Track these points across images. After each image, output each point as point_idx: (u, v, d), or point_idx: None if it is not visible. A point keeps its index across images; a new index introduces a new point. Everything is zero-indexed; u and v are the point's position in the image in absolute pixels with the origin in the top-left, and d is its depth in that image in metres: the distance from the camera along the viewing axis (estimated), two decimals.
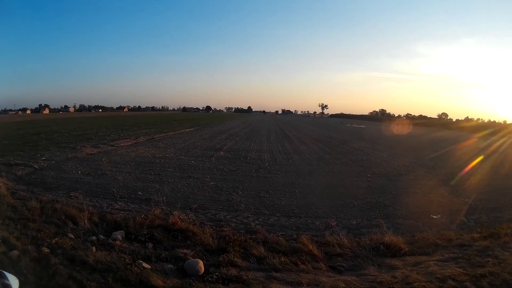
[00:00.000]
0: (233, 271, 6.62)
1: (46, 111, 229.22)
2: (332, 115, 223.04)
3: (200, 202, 12.58)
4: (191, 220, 10.02)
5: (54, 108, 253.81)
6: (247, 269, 6.91)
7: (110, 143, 30.48)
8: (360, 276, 6.95)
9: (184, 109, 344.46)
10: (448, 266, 7.54)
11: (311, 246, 7.98)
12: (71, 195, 12.92)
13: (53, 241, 7.57)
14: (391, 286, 6.50)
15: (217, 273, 6.50)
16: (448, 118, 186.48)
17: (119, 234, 8.51)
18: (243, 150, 28.84)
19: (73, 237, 8.17)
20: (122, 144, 30.23)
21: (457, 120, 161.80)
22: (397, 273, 7.11)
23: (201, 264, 6.74)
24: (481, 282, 6.96)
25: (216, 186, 15.22)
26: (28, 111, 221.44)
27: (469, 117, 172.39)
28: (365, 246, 8.34)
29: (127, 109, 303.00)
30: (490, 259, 7.88)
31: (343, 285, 6.33)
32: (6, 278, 2.22)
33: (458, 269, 7.47)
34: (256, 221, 10.70)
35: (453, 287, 6.63)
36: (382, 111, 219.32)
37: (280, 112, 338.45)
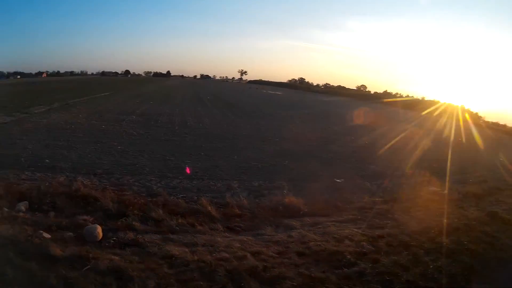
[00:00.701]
0: (131, 235, 6.56)
1: None
2: (251, 81, 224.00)
3: (105, 167, 12.34)
4: (94, 185, 9.82)
5: None
6: (144, 232, 6.88)
7: (24, 110, 28.59)
8: (256, 236, 7.08)
9: (103, 73, 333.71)
10: (346, 227, 7.77)
11: (209, 208, 8.02)
12: None
13: None
14: (286, 245, 6.64)
15: (114, 238, 6.44)
16: (366, 90, 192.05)
17: (22, 205, 8.15)
18: (156, 114, 28.57)
19: None
20: (36, 111, 28.56)
21: (375, 93, 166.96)
22: (294, 233, 7.28)
23: (99, 229, 6.64)
24: (378, 243, 7.16)
25: (123, 150, 14.97)
26: None
27: (388, 91, 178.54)
28: (264, 207, 8.44)
29: (45, 75, 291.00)
30: (389, 222, 8.12)
31: (238, 245, 6.42)
32: None
33: (356, 230, 7.67)
34: (159, 184, 10.59)
35: (349, 247, 6.75)
36: (301, 80, 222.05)
37: (198, 77, 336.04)
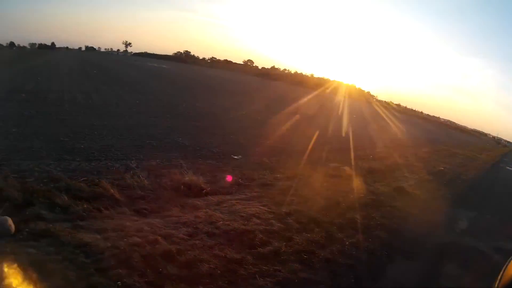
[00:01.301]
0: (42, 225, 6.36)
1: None
2: (136, 54, 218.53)
3: (4, 154, 11.47)
4: None
5: None
6: (54, 220, 6.69)
7: None
8: (164, 218, 7.16)
9: None
10: (252, 204, 8.04)
11: (112, 191, 7.99)
12: None
13: None
14: (195, 226, 6.81)
15: (27, 229, 6.21)
16: (254, 65, 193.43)
17: None
18: (45, 91, 26.64)
19: None
20: None
21: (263, 68, 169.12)
22: (200, 213, 7.48)
23: (10, 221, 6.30)
24: (288, 220, 7.55)
25: (18, 132, 14.03)
26: None
27: (275, 67, 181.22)
28: (166, 187, 8.57)
29: None
30: (294, 198, 8.54)
31: (148, 228, 6.50)
32: None
33: (262, 207, 8.00)
34: (58, 168, 10.24)
35: (259, 225, 7.08)
36: (187, 53, 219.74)
37: (83, 49, 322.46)
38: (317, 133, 19.64)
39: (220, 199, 8.44)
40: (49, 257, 5.27)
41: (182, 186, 8.67)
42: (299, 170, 11.64)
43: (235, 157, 12.66)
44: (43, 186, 8.27)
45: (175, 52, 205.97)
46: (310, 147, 15.75)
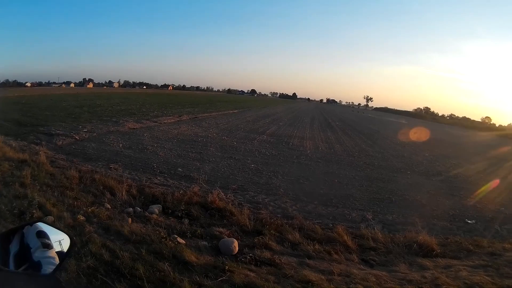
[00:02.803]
0: (267, 254, 6.70)
1: (90, 85, 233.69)
2: (377, 109, 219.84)
3: (239, 183, 12.78)
4: (229, 200, 10.21)
5: (98, 83, 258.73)
6: (281, 253, 6.99)
7: (152, 119, 31.02)
8: (390, 272, 7.00)
9: (229, 91, 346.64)
10: (477, 273, 7.54)
11: (346, 237, 8.03)
12: (111, 167, 13.34)
13: (89, 210, 7.84)
14: (420, 285, 6.55)
15: (250, 254, 6.59)
16: (491, 123, 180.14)
17: (156, 208, 8.71)
18: (286, 135, 28.93)
19: (109, 207, 8.45)
20: (165, 121, 30.67)
21: (500, 126, 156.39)
22: (427, 273, 7.15)
23: (235, 243, 6.89)
24: None
25: (257, 169, 15.39)
26: (72, 85, 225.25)
27: None
28: (398, 243, 8.37)
29: (171, 88, 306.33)
30: None
31: (374, 279, 6.41)
32: (48, 238, 2.09)
33: (486, 277, 7.49)
34: (294, 207, 10.75)
35: None
36: (426, 109, 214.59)
37: (324, 101, 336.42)
38: None
39: (448, 263, 7.98)
40: (267, 284, 5.53)
41: (414, 245, 8.40)
42: None
43: (469, 221, 12.05)
44: (276, 220, 8.73)
45: (415, 108, 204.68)
46: None
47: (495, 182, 19.04)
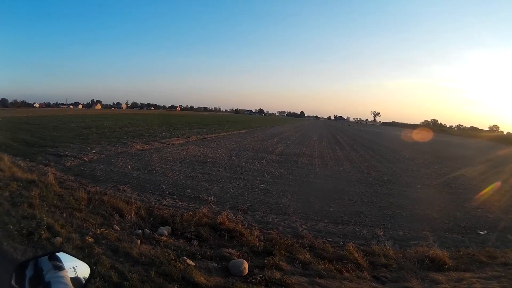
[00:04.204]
0: (277, 274, 6.72)
1: (98, 106, 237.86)
2: (384, 123, 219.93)
3: (249, 204, 12.77)
4: (239, 220, 10.25)
5: (106, 104, 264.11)
6: (291, 273, 7.00)
7: (161, 140, 31.25)
8: None
9: (237, 111, 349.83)
10: (490, 284, 7.52)
11: (356, 255, 8.03)
12: (120, 189, 13.44)
13: (98, 231, 7.92)
14: None
15: (260, 275, 6.60)
16: (499, 130, 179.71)
17: (165, 230, 8.77)
18: (294, 154, 28.94)
19: (118, 229, 8.52)
20: (173, 142, 30.83)
21: (508, 133, 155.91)
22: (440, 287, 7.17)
23: (245, 264, 6.91)
24: None
25: (266, 188, 15.38)
26: (80, 106, 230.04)
27: None
28: (410, 258, 8.35)
29: (179, 108, 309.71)
30: None
31: None
32: (60, 261, 2.24)
33: None
34: (304, 226, 10.76)
35: None
36: (434, 121, 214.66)
37: (332, 118, 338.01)
38: None
39: (461, 276, 7.91)
40: None
41: (426, 259, 8.36)
42: None
43: (480, 232, 11.97)
44: (286, 240, 8.72)
45: (423, 120, 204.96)
46: None
47: (505, 191, 19.03)
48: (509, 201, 16.71)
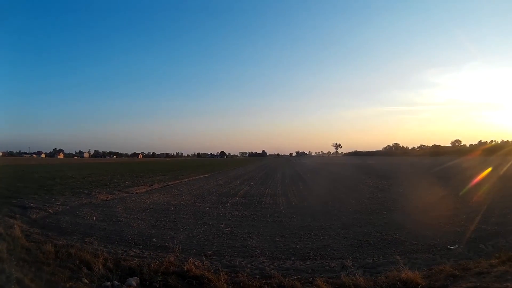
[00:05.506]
0: None
1: (61, 155, 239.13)
2: (346, 154, 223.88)
3: (215, 249, 12.60)
4: (206, 266, 10.03)
5: (69, 153, 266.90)
6: None
7: (125, 189, 30.82)
8: None
9: (199, 155, 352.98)
10: None
11: None
12: (86, 241, 13.16)
13: (67, 285, 7.68)
14: None
15: None
16: (462, 144, 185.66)
17: (133, 281, 8.52)
18: (258, 195, 28.82)
19: (87, 282, 8.26)
20: (137, 191, 30.40)
21: (470, 145, 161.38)
22: None
23: None
24: None
25: (231, 232, 15.22)
26: (43, 155, 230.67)
27: (482, 141, 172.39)
28: (381, 285, 8.26)
29: (141, 156, 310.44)
30: (509, 284, 7.83)
31: None
32: None
33: None
34: (272, 266, 10.64)
35: None
36: (396, 145, 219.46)
37: (294, 154, 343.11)
38: None
39: None
40: None
41: (398, 283, 8.32)
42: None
43: (451, 247, 12.02)
44: (254, 281, 8.56)
45: (385, 146, 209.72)
46: None
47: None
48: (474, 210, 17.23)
